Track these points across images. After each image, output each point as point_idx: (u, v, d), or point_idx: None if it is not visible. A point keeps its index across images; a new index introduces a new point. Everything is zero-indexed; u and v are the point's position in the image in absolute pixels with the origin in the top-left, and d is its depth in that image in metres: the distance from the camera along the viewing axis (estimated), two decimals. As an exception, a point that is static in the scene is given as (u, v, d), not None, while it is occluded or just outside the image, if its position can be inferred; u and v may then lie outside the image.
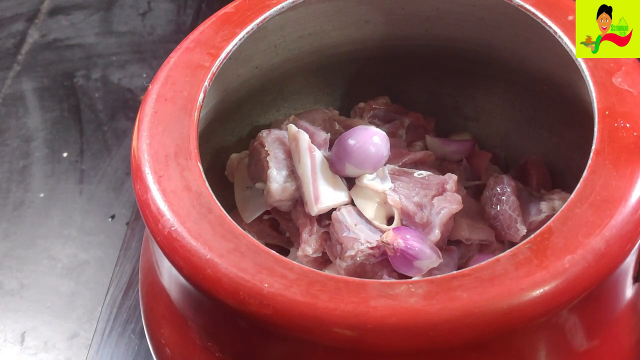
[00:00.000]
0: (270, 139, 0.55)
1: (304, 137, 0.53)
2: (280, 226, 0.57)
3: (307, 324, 0.37)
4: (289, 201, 0.54)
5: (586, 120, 0.47)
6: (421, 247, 0.48)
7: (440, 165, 0.59)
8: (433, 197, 0.50)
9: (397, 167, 0.54)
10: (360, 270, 0.50)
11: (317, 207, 0.52)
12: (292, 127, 0.54)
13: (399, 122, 0.60)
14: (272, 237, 0.57)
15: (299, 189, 0.53)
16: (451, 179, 0.51)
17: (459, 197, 0.50)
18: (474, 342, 0.38)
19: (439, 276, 0.39)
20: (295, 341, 0.40)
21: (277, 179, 0.53)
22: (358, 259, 0.50)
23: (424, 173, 0.52)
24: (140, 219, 0.71)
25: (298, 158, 0.53)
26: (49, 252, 0.73)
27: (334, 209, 0.52)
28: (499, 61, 0.58)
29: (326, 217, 0.53)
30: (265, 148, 0.54)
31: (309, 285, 0.38)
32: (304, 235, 0.53)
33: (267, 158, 0.53)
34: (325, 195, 0.52)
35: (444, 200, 0.50)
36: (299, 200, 0.54)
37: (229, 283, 0.39)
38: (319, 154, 0.53)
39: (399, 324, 0.37)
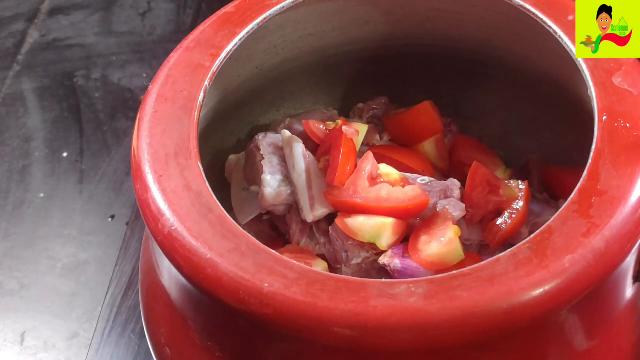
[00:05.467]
0: (265, 142, 0.55)
1: (298, 144, 0.53)
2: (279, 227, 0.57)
3: (307, 323, 0.37)
4: (282, 206, 0.54)
5: (586, 120, 0.47)
6: (418, 266, 0.48)
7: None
8: (436, 202, 0.50)
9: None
10: (365, 275, 0.50)
11: (312, 214, 0.52)
12: (286, 133, 0.54)
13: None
14: (271, 237, 0.57)
15: (293, 194, 0.53)
16: (455, 186, 0.51)
17: (462, 205, 0.50)
18: (474, 342, 0.38)
19: (439, 276, 0.39)
20: (295, 341, 0.40)
21: (271, 183, 0.53)
22: (364, 266, 0.50)
23: (427, 179, 0.53)
24: (140, 219, 0.71)
25: (292, 164, 0.53)
26: (49, 252, 0.73)
27: (331, 215, 0.52)
28: (499, 61, 0.58)
29: (323, 221, 0.53)
30: (261, 152, 0.54)
31: (309, 285, 0.38)
32: (297, 241, 0.53)
33: (262, 162, 0.53)
34: (321, 201, 0.52)
35: (447, 205, 0.50)
36: (293, 205, 0.54)
37: (229, 283, 0.39)
38: (313, 160, 0.53)
39: (399, 324, 0.37)
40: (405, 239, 0.50)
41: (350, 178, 0.51)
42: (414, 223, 0.50)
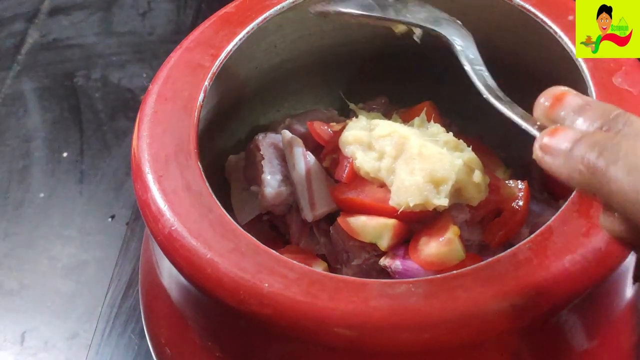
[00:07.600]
0: (265, 142, 0.55)
1: (298, 144, 0.53)
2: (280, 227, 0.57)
3: (307, 323, 0.37)
4: (282, 206, 0.54)
5: (586, 120, 0.47)
6: (418, 268, 0.48)
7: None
8: None
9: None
10: (365, 276, 0.50)
11: (312, 214, 0.52)
12: (286, 133, 0.54)
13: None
14: (271, 237, 0.57)
15: (293, 194, 0.53)
16: None
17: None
18: (474, 342, 0.38)
19: (439, 276, 0.39)
20: (295, 341, 0.40)
21: (271, 183, 0.53)
22: (364, 266, 0.50)
23: None
24: (140, 219, 0.71)
25: (292, 164, 0.53)
26: (49, 252, 0.73)
27: (332, 215, 0.52)
28: (499, 61, 0.58)
29: (323, 221, 0.53)
30: (261, 152, 0.54)
31: (309, 285, 0.38)
32: (297, 241, 0.53)
33: (262, 162, 0.53)
34: (321, 201, 0.52)
35: None
36: (293, 205, 0.54)
37: (229, 283, 0.39)
38: (313, 160, 0.53)
39: (399, 324, 0.37)
40: (406, 241, 0.50)
41: (358, 176, 0.50)
42: (415, 227, 0.50)
